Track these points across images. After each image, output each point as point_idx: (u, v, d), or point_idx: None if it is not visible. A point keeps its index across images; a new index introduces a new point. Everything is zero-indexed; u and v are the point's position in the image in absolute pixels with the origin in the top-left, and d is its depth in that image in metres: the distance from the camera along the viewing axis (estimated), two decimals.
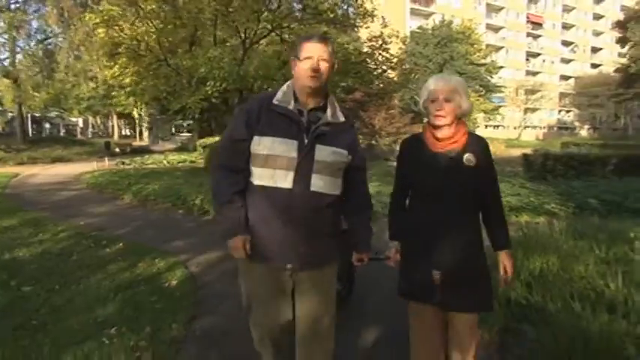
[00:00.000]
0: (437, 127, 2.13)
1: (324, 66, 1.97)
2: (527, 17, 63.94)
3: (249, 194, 2.05)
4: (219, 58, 9.77)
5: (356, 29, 14.36)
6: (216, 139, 17.46)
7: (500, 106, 52.27)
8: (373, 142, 25.25)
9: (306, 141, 1.97)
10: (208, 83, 10.00)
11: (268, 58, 11.35)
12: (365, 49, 14.61)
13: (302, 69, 1.98)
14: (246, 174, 2.04)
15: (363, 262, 2.25)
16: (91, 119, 57.24)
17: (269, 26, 11.29)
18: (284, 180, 1.96)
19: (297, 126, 1.99)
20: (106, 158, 19.76)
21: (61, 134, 46.66)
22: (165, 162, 20.31)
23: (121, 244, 6.04)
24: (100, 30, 10.84)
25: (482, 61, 46.79)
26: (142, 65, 11.20)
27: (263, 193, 2.00)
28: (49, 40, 18.92)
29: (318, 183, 1.99)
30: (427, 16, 54.24)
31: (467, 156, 2.11)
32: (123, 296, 4.13)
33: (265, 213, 2.01)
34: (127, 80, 11.86)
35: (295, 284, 2.11)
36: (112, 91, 29.22)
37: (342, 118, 2.09)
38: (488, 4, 60.23)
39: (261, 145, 1.97)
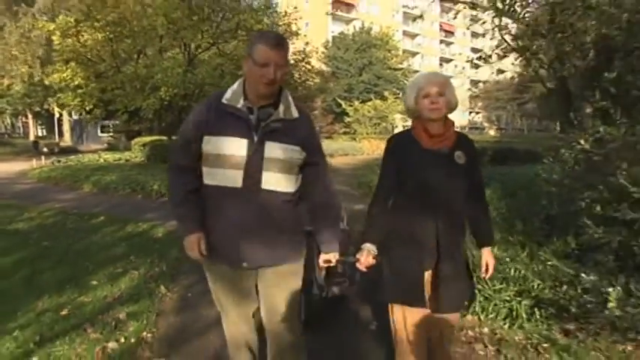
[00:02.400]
0: (432, 121, 2.11)
1: (280, 73, 1.89)
2: (440, 26, 69.49)
3: (203, 194, 2.03)
4: (172, 68, 11.45)
5: None
6: (154, 138, 18.88)
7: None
8: None
9: (255, 139, 1.92)
10: (162, 89, 11.60)
11: (212, 70, 13.09)
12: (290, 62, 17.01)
13: (257, 75, 1.88)
14: (198, 173, 2.02)
15: (330, 264, 2.19)
16: None
17: (210, 40, 13.10)
18: (234, 179, 1.93)
19: (246, 124, 1.93)
20: (43, 157, 20.30)
21: None
22: (101, 160, 21.16)
23: (102, 218, 7.72)
24: (56, 38, 12.10)
25: (399, 65, 50.57)
26: (92, 71, 12.54)
27: (214, 192, 1.98)
28: None
29: (269, 180, 1.94)
30: (348, 22, 57.47)
31: (457, 153, 2.11)
32: (127, 243, 5.97)
33: (218, 212, 1.98)
34: (77, 83, 13.10)
35: (258, 281, 2.11)
36: (32, 91, 29.24)
37: (295, 114, 2.02)
38: (405, 13, 64.74)
39: (210, 144, 1.94)
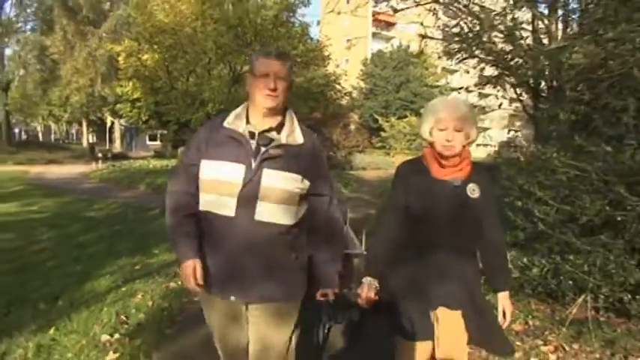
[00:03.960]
0: (444, 157, 1.92)
1: (281, 85, 1.78)
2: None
3: (200, 221, 1.88)
4: (219, 87, 13.15)
5: (316, 68, 18.28)
6: None
7: (486, 129, 57.06)
8: (331, 153, 28.94)
9: (253, 165, 1.77)
10: (210, 104, 13.30)
11: None
12: (322, 82, 18.63)
13: (257, 87, 1.79)
14: (197, 199, 1.88)
15: (327, 298, 1.97)
16: (53, 125, 58.93)
17: None
18: (227, 207, 1.78)
19: (245, 149, 1.79)
20: (100, 161, 22.57)
21: (23, 139, 48.28)
22: (150, 165, 23.21)
23: (157, 210, 9.29)
24: (121, 58, 14.14)
25: (437, 83, 51.40)
26: (149, 87, 14.46)
27: (208, 220, 1.84)
28: (53, 57, 21.71)
29: (264, 211, 1.78)
30: (388, 39, 58.81)
31: (471, 186, 1.93)
32: None
33: (211, 241, 1.85)
34: (135, 96, 15.07)
35: (248, 317, 1.94)
36: (90, 101, 31.89)
37: (300, 140, 1.85)
38: (444, 30, 65.48)
39: (207, 170, 1.82)
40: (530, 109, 7.41)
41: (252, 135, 1.83)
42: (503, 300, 2.03)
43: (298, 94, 15.07)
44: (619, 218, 3.70)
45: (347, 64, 49.86)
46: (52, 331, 3.47)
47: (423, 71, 49.26)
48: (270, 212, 1.80)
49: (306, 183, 1.86)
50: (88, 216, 8.70)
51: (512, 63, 4.94)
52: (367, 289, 2.00)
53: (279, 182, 1.80)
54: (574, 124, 4.57)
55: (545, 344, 3.50)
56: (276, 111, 1.84)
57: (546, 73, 5.16)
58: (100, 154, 31.71)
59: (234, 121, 1.86)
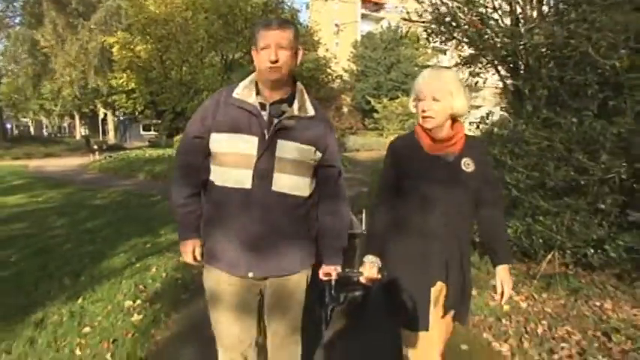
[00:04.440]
0: (429, 130, 1.89)
1: (284, 55, 1.71)
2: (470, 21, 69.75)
3: (209, 194, 1.86)
4: (212, 75, 13.47)
5: (306, 53, 18.68)
6: None
7: (479, 106, 57.35)
8: None
9: (267, 136, 1.74)
10: (204, 92, 13.60)
11: (247, 75, 14.89)
12: (312, 67, 19.04)
13: (260, 61, 1.74)
14: (204, 172, 1.86)
15: (330, 277, 1.95)
16: (44, 120, 58.76)
17: (244, 50, 15.06)
18: (242, 179, 1.75)
19: (257, 121, 1.76)
20: (97, 152, 22.81)
21: (14, 134, 48.17)
22: (147, 155, 23.46)
23: (158, 197, 9.71)
24: (115, 50, 14.39)
25: (427, 63, 51.52)
26: (143, 77, 14.74)
27: (221, 193, 1.80)
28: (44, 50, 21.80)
29: (280, 182, 1.77)
30: (377, 20, 58.71)
31: (465, 160, 1.90)
32: None
33: (224, 215, 1.80)
34: (131, 87, 15.36)
35: (264, 292, 1.92)
36: (83, 94, 31.95)
37: (311, 112, 1.83)
38: (423, 14, 65.33)
39: (218, 142, 1.79)
40: (511, 85, 7.80)
41: (262, 106, 1.79)
42: (502, 274, 1.95)
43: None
44: (582, 182, 4.15)
45: (337, 47, 49.86)
46: (79, 300, 3.90)
47: (414, 51, 49.33)
48: (287, 183, 1.78)
49: (318, 154, 1.85)
50: (93, 204, 9.08)
51: (487, 44, 5.31)
52: (369, 267, 1.97)
53: (294, 153, 1.78)
54: (548, 98, 4.98)
55: (517, 295, 3.96)
56: (283, 82, 1.79)
57: (520, 52, 5.55)
58: (95, 146, 31.98)
59: (243, 92, 1.81)
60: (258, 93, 1.81)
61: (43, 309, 3.71)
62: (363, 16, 59.10)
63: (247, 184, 1.76)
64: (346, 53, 46.90)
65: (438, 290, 1.95)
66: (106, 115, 44.49)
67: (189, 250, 1.86)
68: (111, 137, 46.94)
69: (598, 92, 4.51)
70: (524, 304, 3.83)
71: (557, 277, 4.17)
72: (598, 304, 3.76)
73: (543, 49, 5.15)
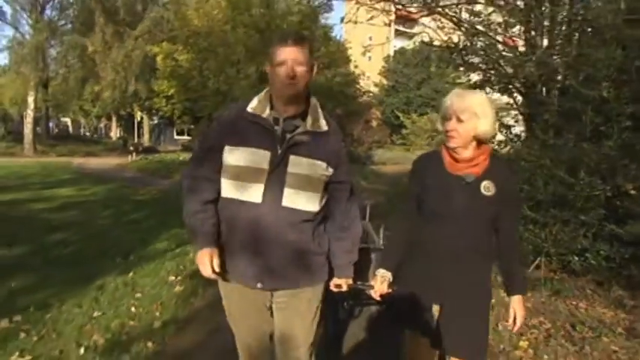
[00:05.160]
0: (453, 150, 1.91)
1: (300, 70, 1.75)
2: (504, 41, 69.58)
3: (221, 207, 1.88)
4: (247, 85, 14.29)
5: (336, 69, 19.55)
6: None
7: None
8: (352, 148, 29.97)
9: (279, 151, 1.77)
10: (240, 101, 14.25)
11: None
12: (342, 82, 19.93)
13: (276, 75, 1.76)
14: (217, 185, 1.86)
15: (341, 289, 1.99)
16: (82, 120, 61.25)
17: None
18: (253, 193, 1.77)
19: (270, 135, 1.79)
20: (134, 153, 24.09)
21: (54, 133, 50.46)
22: (181, 158, 24.60)
23: None
24: (159, 59, 15.56)
25: (458, 80, 51.73)
26: (183, 85, 15.81)
27: (232, 207, 1.82)
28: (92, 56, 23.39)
29: (291, 197, 1.78)
30: (411, 37, 59.32)
31: (485, 183, 1.88)
32: None
33: (235, 229, 1.83)
34: (171, 93, 16.48)
35: (272, 303, 1.93)
36: (122, 97, 33.46)
37: (324, 127, 1.85)
38: (467, 29, 65.56)
39: (232, 155, 1.80)
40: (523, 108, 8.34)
41: (276, 121, 1.82)
42: (515, 304, 1.95)
43: (321, 93, 16.23)
44: (570, 197, 4.71)
45: (370, 61, 50.65)
46: (130, 274, 4.67)
47: (445, 69, 49.61)
48: (297, 198, 1.79)
49: (330, 170, 1.85)
50: (135, 199, 9.99)
51: (493, 71, 5.92)
52: (380, 282, 2.01)
53: (306, 169, 1.79)
54: (546, 122, 5.55)
55: (503, 292, 4.51)
56: (299, 97, 1.82)
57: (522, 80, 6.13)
58: (131, 148, 33.54)
59: (257, 106, 1.83)
60: (272, 107, 1.84)
61: (102, 278, 4.49)
62: (397, 32, 59.87)
63: (258, 198, 1.77)
64: (378, 67, 47.56)
65: (443, 309, 1.97)
66: (142, 118, 46.40)
67: (207, 262, 1.79)
68: (145, 140, 48.81)
69: (593, 118, 5.07)
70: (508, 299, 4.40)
71: (542, 281, 4.72)
72: (574, 303, 4.29)
73: (544, 78, 5.74)
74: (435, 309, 1.99)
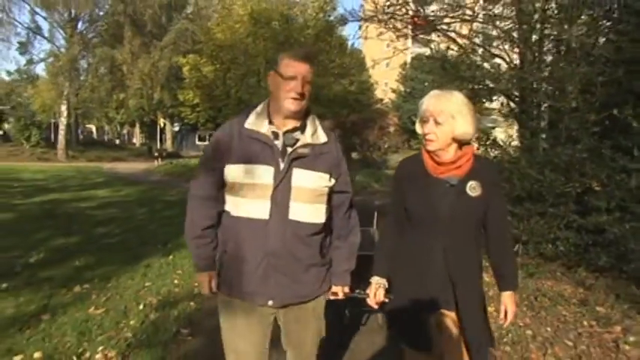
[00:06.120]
0: (434, 153, 1.88)
1: (307, 88, 1.77)
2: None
3: (225, 225, 1.87)
4: (267, 95, 15.09)
5: (353, 79, 20.58)
6: None
7: (494, 127, 57.68)
8: (368, 153, 30.77)
9: (282, 166, 1.76)
10: None
11: None
12: (356, 91, 20.94)
13: (284, 90, 1.75)
14: (220, 204, 1.88)
15: (337, 297, 2.00)
16: (106, 127, 63.14)
17: None
18: (259, 210, 1.77)
19: (271, 151, 1.78)
20: (160, 159, 25.32)
21: (80, 139, 52.28)
22: None
23: None
24: (186, 69, 16.75)
25: (476, 86, 51.95)
26: (207, 94, 16.91)
27: (238, 224, 1.81)
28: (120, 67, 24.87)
29: (297, 211, 1.79)
30: (427, 43, 59.80)
31: (471, 184, 1.85)
32: None
33: (242, 246, 1.81)
34: (196, 102, 17.62)
35: (279, 320, 1.94)
36: (147, 105, 34.63)
37: (323, 139, 1.86)
38: (484, 34, 65.92)
39: (234, 173, 1.80)
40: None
41: (275, 135, 1.81)
42: (506, 299, 1.97)
43: (336, 101, 17.15)
44: (543, 193, 5.49)
45: (387, 67, 51.34)
46: (171, 257, 5.60)
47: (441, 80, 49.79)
48: (304, 211, 1.80)
49: (333, 181, 1.87)
50: (165, 199, 10.99)
51: (480, 85, 6.75)
52: (375, 289, 2.00)
53: (310, 181, 1.80)
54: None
55: (486, 274, 5.30)
56: (301, 113, 1.82)
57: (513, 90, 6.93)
58: (156, 153, 34.91)
59: (255, 122, 1.82)
60: (270, 122, 1.82)
61: (148, 260, 5.42)
62: (414, 39, 60.46)
63: (265, 214, 1.77)
64: (395, 73, 48.24)
65: (442, 315, 1.92)
66: (165, 124, 48.03)
67: (206, 281, 1.90)
68: (168, 145, 50.37)
69: (569, 125, 5.86)
70: (487, 279, 5.17)
71: (519, 266, 5.48)
72: (543, 282, 5.06)
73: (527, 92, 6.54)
74: (432, 320, 1.94)
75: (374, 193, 12.46)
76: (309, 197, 1.81)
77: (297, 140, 1.81)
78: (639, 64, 5.29)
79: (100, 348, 3.18)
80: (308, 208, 1.82)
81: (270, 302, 1.83)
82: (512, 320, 2.00)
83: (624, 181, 5.06)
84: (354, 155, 21.30)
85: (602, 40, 5.84)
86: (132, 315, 3.79)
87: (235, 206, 1.83)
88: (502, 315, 1.99)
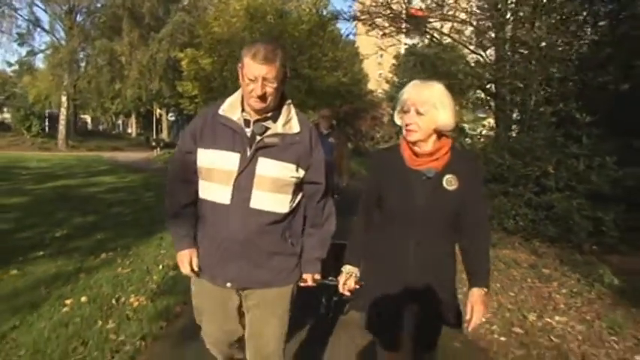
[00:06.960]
0: (413, 144, 1.83)
1: (270, 89, 1.74)
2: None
3: (198, 207, 1.95)
4: None
5: (345, 72, 21.29)
6: None
7: (485, 117, 58.55)
8: (360, 143, 31.52)
9: (248, 153, 1.79)
10: None
11: (292, 89, 17.44)
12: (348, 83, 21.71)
13: (246, 90, 1.76)
14: (195, 186, 1.93)
15: (307, 285, 2.03)
16: (101, 117, 63.30)
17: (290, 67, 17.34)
18: (222, 195, 1.82)
19: (240, 138, 1.81)
20: (158, 148, 25.96)
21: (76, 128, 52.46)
22: None
23: None
24: (184, 63, 17.40)
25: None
26: (205, 86, 17.54)
27: (205, 207, 1.90)
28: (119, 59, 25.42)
29: (259, 199, 1.82)
30: (421, 34, 60.30)
31: (448, 177, 1.82)
32: None
33: (207, 228, 1.91)
34: (194, 93, 18.24)
35: (242, 301, 1.99)
36: (145, 95, 35.05)
37: (296, 129, 1.87)
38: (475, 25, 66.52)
39: (203, 157, 1.85)
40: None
41: (247, 123, 1.83)
42: (475, 297, 1.82)
43: (329, 92, 17.87)
44: (505, 175, 6.31)
45: (381, 57, 51.87)
46: None
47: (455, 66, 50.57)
48: (265, 200, 1.82)
49: (301, 172, 1.88)
50: None
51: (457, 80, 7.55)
52: (346, 278, 1.98)
53: (274, 171, 1.81)
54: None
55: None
56: (267, 109, 1.81)
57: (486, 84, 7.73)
58: (154, 143, 35.46)
59: (229, 109, 1.85)
60: (243, 109, 1.85)
61: (160, 234, 6.19)
62: (407, 30, 60.89)
63: (226, 199, 1.82)
64: (389, 64, 48.76)
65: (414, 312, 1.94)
66: (161, 115, 48.32)
67: (186, 261, 1.92)
68: (164, 135, 50.80)
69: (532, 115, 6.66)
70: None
71: None
72: (503, 251, 5.88)
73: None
74: (406, 315, 1.95)
75: (363, 179, 13.25)
76: (272, 186, 1.83)
77: (267, 129, 1.84)
78: (587, 63, 6.11)
79: (132, 295, 3.96)
80: (270, 197, 1.84)
81: (229, 284, 1.90)
82: (477, 323, 1.79)
83: (573, 165, 5.89)
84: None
85: (560, 41, 6.64)
86: (154, 272, 4.58)
87: (203, 189, 1.91)
88: (468, 316, 1.81)
